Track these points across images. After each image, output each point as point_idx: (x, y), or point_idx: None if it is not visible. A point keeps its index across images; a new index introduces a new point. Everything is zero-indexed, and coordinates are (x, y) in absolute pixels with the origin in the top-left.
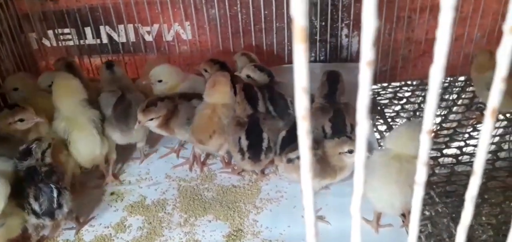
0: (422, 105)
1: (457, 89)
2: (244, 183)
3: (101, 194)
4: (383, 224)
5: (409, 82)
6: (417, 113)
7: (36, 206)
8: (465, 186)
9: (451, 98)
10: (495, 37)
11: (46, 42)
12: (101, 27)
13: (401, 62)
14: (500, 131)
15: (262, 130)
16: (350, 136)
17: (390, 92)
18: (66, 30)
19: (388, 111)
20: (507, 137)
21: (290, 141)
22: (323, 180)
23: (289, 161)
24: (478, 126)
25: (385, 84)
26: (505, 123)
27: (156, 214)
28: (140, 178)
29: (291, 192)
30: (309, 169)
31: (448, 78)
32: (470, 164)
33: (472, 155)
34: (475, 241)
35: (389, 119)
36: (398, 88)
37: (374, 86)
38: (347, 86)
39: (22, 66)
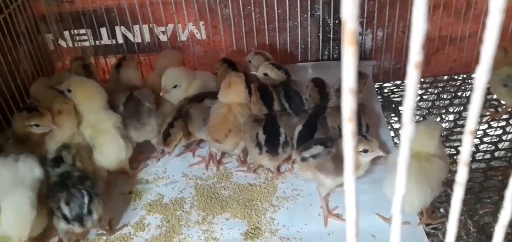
0: (435, 103)
1: (471, 86)
2: (260, 181)
3: (119, 193)
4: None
5: (423, 79)
6: (431, 110)
7: (66, 211)
8: (481, 184)
9: (465, 95)
10: (510, 34)
11: (62, 43)
12: (117, 28)
13: None
14: None
15: (279, 125)
16: (365, 135)
17: (404, 90)
18: (82, 31)
19: (403, 109)
20: None
21: (306, 135)
22: (338, 177)
23: (303, 159)
24: (492, 122)
25: (398, 82)
26: None
27: (174, 212)
28: (157, 176)
29: (307, 190)
30: (353, 171)
31: (462, 75)
32: (485, 161)
33: (486, 152)
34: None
35: None
36: None
37: (388, 84)
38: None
39: (39, 67)
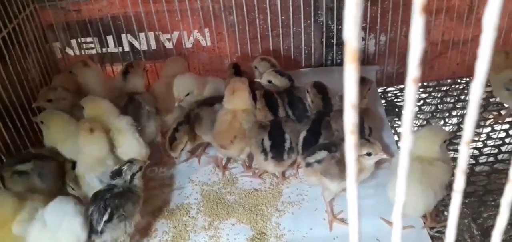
0: (439, 106)
1: None
2: (265, 187)
3: None
4: (404, 225)
5: (426, 83)
6: (435, 114)
7: (88, 220)
8: (484, 186)
9: (468, 99)
10: None
11: (69, 51)
12: (123, 36)
13: None
14: None
15: (284, 131)
16: (369, 139)
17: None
18: (89, 39)
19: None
20: None
21: (311, 140)
22: (342, 181)
23: (308, 165)
24: (496, 125)
25: (402, 86)
26: None
27: (181, 218)
28: (163, 183)
29: (312, 195)
30: (355, 179)
31: (465, 79)
32: (488, 164)
33: (490, 155)
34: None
35: None
36: None
37: (391, 88)
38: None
39: (47, 75)
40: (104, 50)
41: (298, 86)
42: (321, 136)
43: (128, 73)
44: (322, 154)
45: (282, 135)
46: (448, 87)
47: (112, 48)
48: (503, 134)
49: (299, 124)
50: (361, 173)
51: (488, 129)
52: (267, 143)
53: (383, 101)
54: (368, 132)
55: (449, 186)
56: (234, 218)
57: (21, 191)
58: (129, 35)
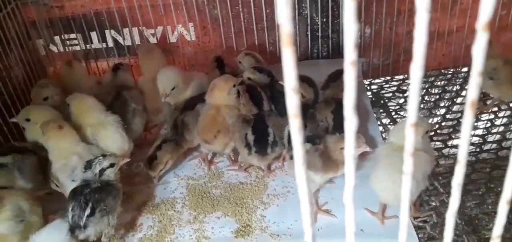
0: (425, 97)
1: (460, 80)
2: (251, 180)
3: None
4: (388, 215)
5: None
6: (421, 105)
7: (69, 216)
8: (468, 176)
9: (454, 89)
10: (497, 27)
11: (53, 48)
12: (107, 31)
13: (403, 55)
14: (505, 120)
15: (267, 126)
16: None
17: (393, 86)
18: (73, 36)
19: (392, 105)
20: (511, 126)
21: None
22: (325, 174)
23: (292, 157)
24: (481, 116)
25: (388, 78)
26: (509, 112)
27: (166, 212)
28: (148, 178)
29: (297, 187)
30: (303, 163)
31: (451, 70)
32: (474, 154)
33: (475, 145)
34: (481, 229)
35: (393, 113)
36: (401, 82)
37: (377, 80)
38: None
39: (31, 72)
40: (88, 46)
41: (279, 81)
42: (306, 129)
43: (118, 69)
44: (305, 146)
45: (265, 129)
46: (434, 79)
47: (96, 44)
48: (488, 124)
49: (282, 118)
50: (341, 165)
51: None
52: (251, 137)
53: (368, 93)
54: None
55: (432, 176)
56: (219, 212)
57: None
58: (113, 31)
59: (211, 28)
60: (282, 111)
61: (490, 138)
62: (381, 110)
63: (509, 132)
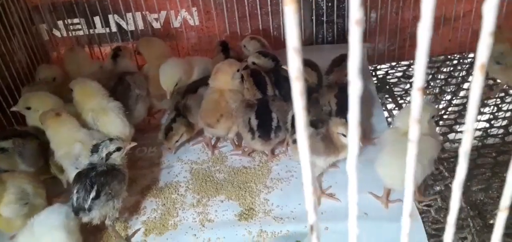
0: (431, 83)
1: (466, 66)
2: (254, 164)
3: None
4: (392, 199)
5: None
6: (426, 90)
7: (74, 198)
8: (474, 161)
9: (460, 75)
10: (504, 13)
11: (56, 33)
12: (110, 16)
13: (409, 40)
14: None
15: (271, 110)
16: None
17: (399, 71)
18: (76, 20)
19: (397, 90)
20: None
21: None
22: (328, 157)
23: (295, 141)
24: (488, 101)
25: (393, 64)
26: None
27: (170, 195)
28: (152, 162)
29: (301, 171)
30: (305, 128)
31: (457, 55)
32: (478, 138)
33: (482, 130)
34: (486, 214)
35: (398, 98)
36: (406, 67)
37: (383, 66)
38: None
39: (34, 57)
40: (91, 31)
41: (284, 66)
42: (310, 113)
43: (117, 56)
44: (309, 130)
45: (269, 114)
46: (440, 64)
47: (99, 29)
48: (494, 109)
49: (286, 103)
50: (344, 149)
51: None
52: (254, 122)
53: (374, 79)
54: None
55: (438, 161)
56: (222, 195)
57: (3, 170)
58: (116, 16)
59: (215, 13)
60: (286, 96)
61: (496, 123)
62: (386, 96)
63: None
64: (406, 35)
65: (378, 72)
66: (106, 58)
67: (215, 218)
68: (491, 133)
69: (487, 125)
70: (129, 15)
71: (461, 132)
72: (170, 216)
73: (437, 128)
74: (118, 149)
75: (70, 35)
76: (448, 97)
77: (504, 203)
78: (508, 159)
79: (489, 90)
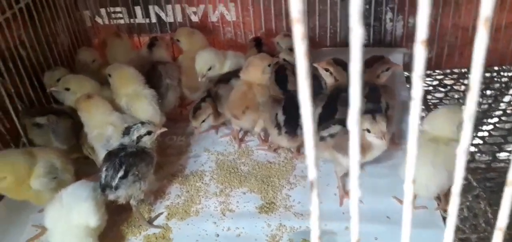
0: (466, 93)
1: (505, 79)
2: (279, 160)
3: None
4: (417, 205)
5: (456, 70)
6: (461, 101)
7: (102, 175)
8: (505, 173)
9: (497, 87)
10: None
11: (99, 20)
12: (150, 7)
13: (447, 49)
14: None
15: (298, 107)
16: (376, 115)
17: (435, 80)
18: (118, 9)
19: (431, 99)
20: None
21: (327, 116)
22: None
23: (322, 139)
24: None
25: (429, 72)
26: None
27: (194, 183)
28: (180, 151)
29: (325, 171)
30: (306, 77)
31: (496, 67)
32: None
33: None
34: None
35: (431, 106)
36: (443, 76)
37: None
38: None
39: (76, 41)
40: (132, 20)
41: (315, 65)
42: (337, 112)
43: (153, 46)
44: (336, 128)
45: (296, 110)
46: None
47: (140, 19)
48: None
49: (313, 100)
50: (367, 151)
51: None
52: (281, 118)
53: (408, 85)
54: (385, 106)
55: (466, 170)
56: (245, 187)
57: (36, 145)
58: (156, 7)
59: (252, 9)
60: (313, 94)
61: None
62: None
63: None
64: (445, 44)
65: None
66: (143, 47)
67: (236, 209)
68: None
69: None
70: (168, 7)
71: (493, 144)
72: (193, 203)
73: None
74: (149, 133)
75: (112, 23)
76: (484, 107)
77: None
78: None
79: None
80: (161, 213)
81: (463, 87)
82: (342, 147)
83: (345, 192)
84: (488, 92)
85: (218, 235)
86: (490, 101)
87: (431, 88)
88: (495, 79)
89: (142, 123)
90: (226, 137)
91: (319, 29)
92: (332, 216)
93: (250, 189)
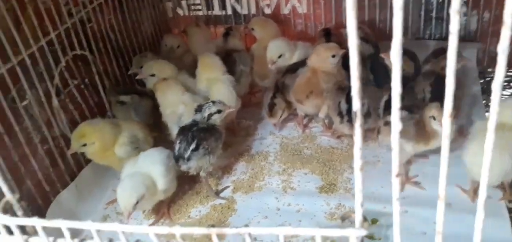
0: None
1: None
2: (342, 146)
3: None
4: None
5: None
6: None
7: (176, 147)
8: None
9: None
10: None
11: (179, 11)
12: (227, 0)
13: None
14: None
15: (362, 95)
16: (442, 102)
17: (508, 77)
18: (197, 1)
19: (503, 94)
20: None
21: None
22: (417, 144)
23: (387, 123)
24: None
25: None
26: None
27: (259, 162)
28: (248, 133)
29: (388, 158)
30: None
31: None
32: None
33: None
34: None
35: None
36: None
37: (493, 69)
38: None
39: (158, 30)
40: (209, 12)
41: (384, 55)
42: (404, 100)
43: (228, 35)
44: (402, 114)
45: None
46: None
47: (216, 11)
48: None
49: (379, 90)
50: (435, 138)
51: None
52: (344, 106)
53: (481, 81)
54: None
55: None
56: (307, 169)
57: (120, 119)
58: (232, 0)
59: (323, 2)
60: (380, 83)
61: None
62: (491, 98)
63: None
64: None
65: (486, 76)
66: (219, 36)
67: (297, 187)
68: None
69: None
70: (244, 0)
71: None
72: (257, 180)
73: None
74: (219, 111)
75: (191, 14)
76: None
77: None
78: None
79: None
80: (228, 187)
81: None
82: (407, 132)
83: (407, 178)
84: None
85: (278, 209)
86: None
87: (505, 84)
88: None
89: (213, 102)
90: (291, 123)
91: (389, 22)
92: (391, 199)
93: (311, 170)
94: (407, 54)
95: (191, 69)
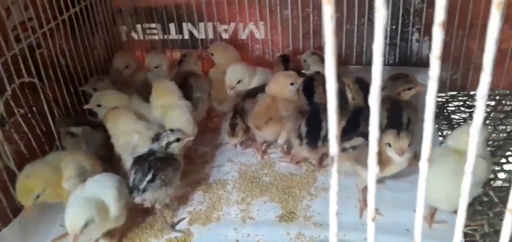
0: (491, 114)
1: None
2: (301, 172)
3: None
4: (437, 220)
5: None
6: (487, 122)
7: (131, 178)
8: None
9: None
10: None
11: (134, 35)
12: (184, 24)
13: (473, 71)
14: None
15: (321, 119)
16: (400, 131)
17: (460, 101)
18: (153, 25)
19: (456, 118)
20: None
21: (349, 131)
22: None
23: (344, 150)
24: None
25: (453, 93)
26: None
27: (217, 191)
28: (205, 160)
29: (347, 184)
30: (333, 50)
31: None
32: None
33: None
34: None
35: (455, 125)
36: (467, 98)
37: (443, 94)
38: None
39: (111, 55)
40: (165, 36)
41: (342, 79)
42: (361, 127)
43: (181, 62)
44: (358, 141)
45: (319, 123)
46: (501, 97)
47: (173, 35)
48: None
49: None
50: (390, 164)
51: None
52: (303, 129)
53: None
54: (406, 121)
55: (487, 185)
56: (266, 197)
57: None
58: (189, 24)
59: (280, 28)
60: (340, 108)
61: None
62: (443, 122)
63: None
64: (470, 65)
65: (437, 99)
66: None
67: (257, 216)
68: None
69: None
70: (201, 24)
71: None
72: (214, 210)
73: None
74: (178, 140)
75: (146, 38)
76: (508, 129)
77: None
78: None
79: None
80: (184, 218)
81: (488, 109)
82: (362, 159)
83: (365, 205)
84: None
85: (237, 241)
86: None
87: (455, 108)
88: None
89: (172, 130)
90: (250, 149)
91: (346, 48)
92: (351, 227)
93: (271, 198)
94: (359, 83)
95: (144, 88)
